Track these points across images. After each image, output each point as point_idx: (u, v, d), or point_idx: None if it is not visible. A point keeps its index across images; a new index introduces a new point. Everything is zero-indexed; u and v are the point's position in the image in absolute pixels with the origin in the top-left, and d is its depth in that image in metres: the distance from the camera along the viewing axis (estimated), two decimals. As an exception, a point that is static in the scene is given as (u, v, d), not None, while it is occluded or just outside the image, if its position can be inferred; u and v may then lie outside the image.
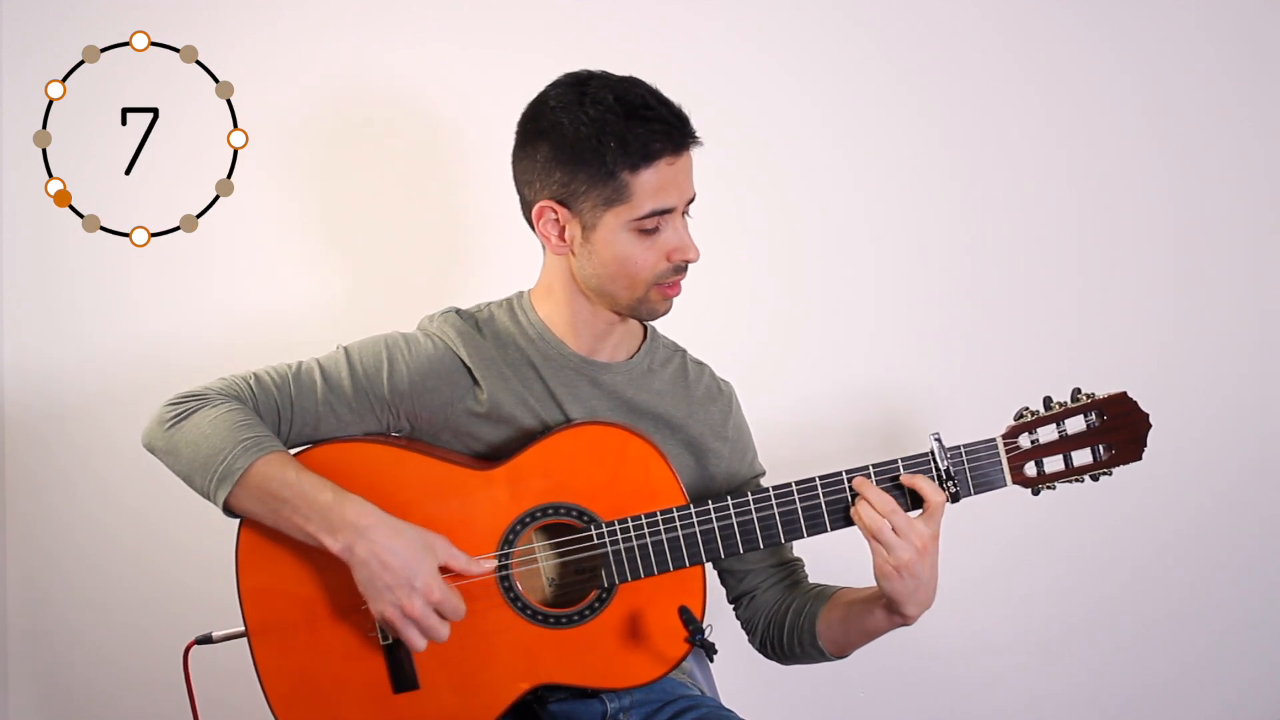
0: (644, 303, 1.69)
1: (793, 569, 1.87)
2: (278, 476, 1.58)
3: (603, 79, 1.65)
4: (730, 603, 1.90)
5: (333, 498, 1.59)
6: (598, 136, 1.60)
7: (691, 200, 1.69)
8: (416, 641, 1.59)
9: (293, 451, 1.67)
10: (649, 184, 1.61)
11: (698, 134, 1.67)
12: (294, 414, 1.68)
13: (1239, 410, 2.43)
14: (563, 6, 2.38)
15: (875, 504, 1.61)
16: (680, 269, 1.68)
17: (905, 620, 1.67)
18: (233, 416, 1.61)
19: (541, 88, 1.69)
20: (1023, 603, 2.47)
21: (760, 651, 1.89)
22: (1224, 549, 2.45)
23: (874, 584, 1.68)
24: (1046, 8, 2.41)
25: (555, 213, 1.67)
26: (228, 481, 1.58)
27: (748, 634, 1.89)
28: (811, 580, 1.87)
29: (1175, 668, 2.48)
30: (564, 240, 1.68)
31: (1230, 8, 2.40)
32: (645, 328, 1.86)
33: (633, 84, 1.64)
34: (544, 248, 1.75)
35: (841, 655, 1.79)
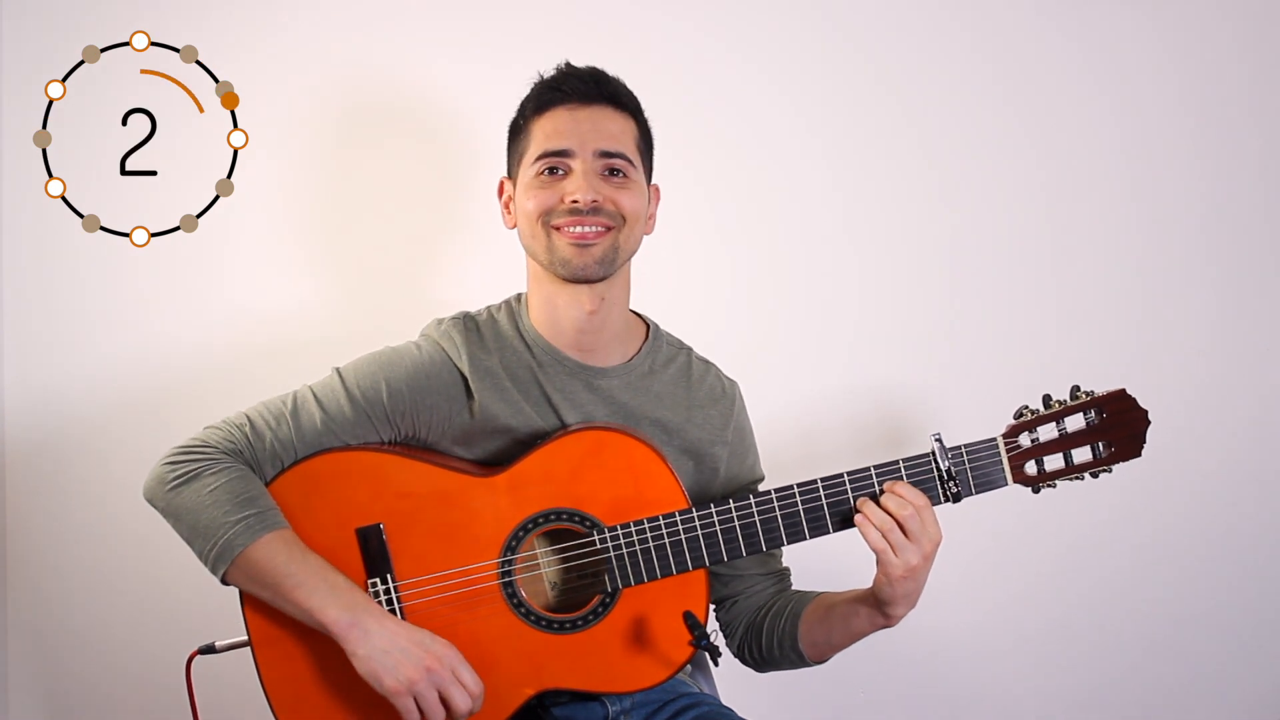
0: (554, 251, 1.72)
1: (780, 577, 1.88)
2: (282, 553, 1.60)
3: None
4: (712, 604, 1.90)
5: (343, 580, 1.62)
6: (521, 107, 1.80)
7: (610, 155, 1.73)
8: (436, 709, 1.59)
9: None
10: (544, 127, 1.74)
11: (624, 100, 1.77)
12: (296, 452, 1.68)
13: (1238, 407, 2.44)
14: (562, 10, 2.38)
15: (908, 496, 1.61)
16: (576, 212, 1.70)
17: (888, 622, 1.68)
18: (234, 486, 1.62)
19: None
20: (1023, 602, 2.47)
21: (737, 656, 1.90)
22: (1224, 547, 2.46)
23: (855, 588, 1.71)
24: (1031, 2, 2.41)
25: (505, 185, 1.82)
26: (225, 557, 1.59)
27: (725, 637, 1.90)
28: (797, 589, 1.88)
29: (1176, 667, 2.48)
30: (510, 212, 1.80)
31: (1224, 7, 2.40)
32: (648, 328, 1.87)
33: (565, 66, 1.79)
34: None
35: (820, 660, 1.79)
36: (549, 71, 1.78)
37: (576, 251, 1.70)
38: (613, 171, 1.73)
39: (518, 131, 1.79)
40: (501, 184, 1.83)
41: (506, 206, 1.81)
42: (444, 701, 1.59)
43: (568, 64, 1.79)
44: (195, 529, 1.61)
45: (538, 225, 1.72)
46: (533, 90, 1.78)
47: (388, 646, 1.57)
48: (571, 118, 1.73)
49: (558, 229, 1.71)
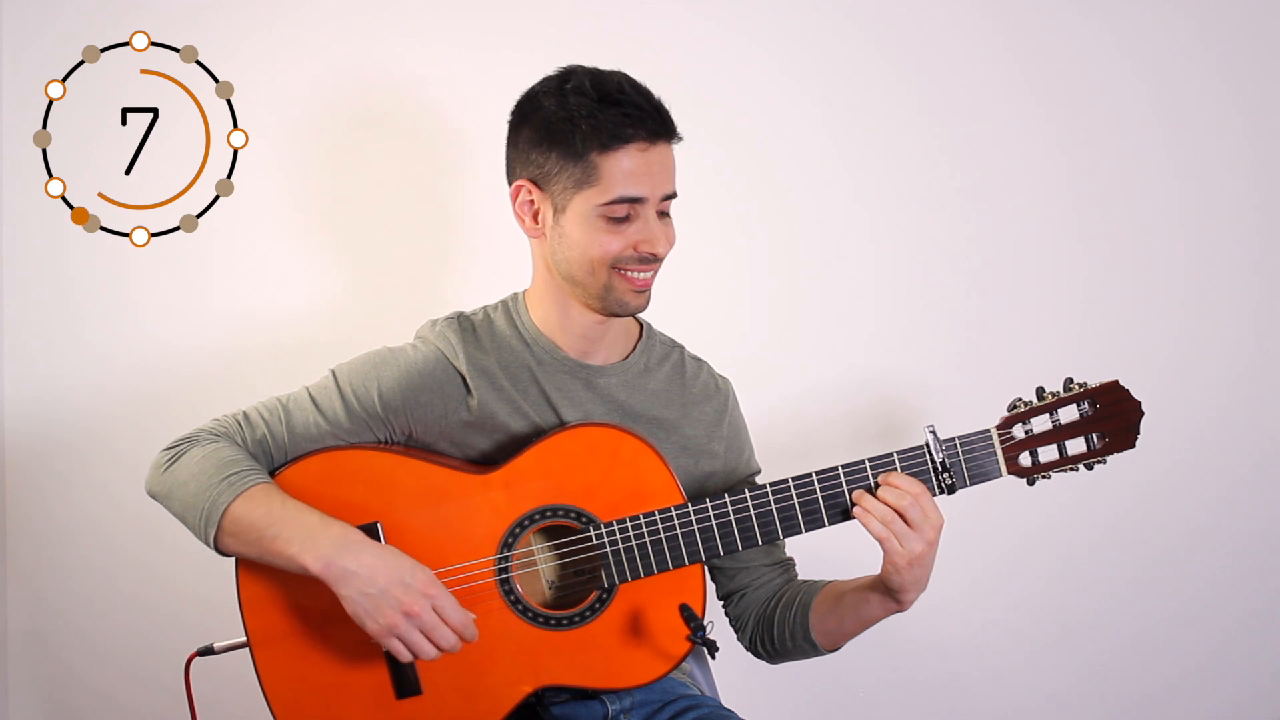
0: (610, 292, 1.68)
1: (785, 567, 1.88)
2: (262, 505, 1.59)
3: (586, 70, 1.67)
4: (720, 599, 1.90)
5: (318, 520, 1.59)
6: (571, 118, 1.62)
7: (670, 197, 1.68)
8: (423, 648, 1.57)
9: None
10: (619, 168, 1.62)
11: (678, 130, 1.68)
12: (289, 449, 1.69)
13: (1237, 404, 2.42)
14: (563, 6, 2.38)
15: (904, 486, 1.61)
16: (646, 260, 1.67)
17: (900, 607, 1.68)
18: (220, 454, 1.62)
19: None
20: (1023, 602, 2.46)
21: (749, 650, 1.89)
22: (1225, 547, 2.44)
23: (863, 575, 1.71)
24: (1045, 3, 2.40)
25: (530, 193, 1.68)
26: (213, 518, 1.59)
27: (736, 632, 1.90)
28: (803, 578, 1.88)
29: (1177, 668, 2.47)
30: (537, 223, 1.70)
31: (1231, 7, 2.39)
32: (641, 326, 1.87)
33: (613, 74, 1.66)
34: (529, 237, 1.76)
35: (833, 648, 1.79)
36: (607, 86, 1.63)
37: (635, 296, 1.69)
38: (664, 211, 1.70)
39: (572, 155, 1.62)
40: (518, 188, 1.70)
41: (535, 217, 1.70)
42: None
43: (631, 84, 1.65)
44: (186, 503, 1.61)
45: (602, 270, 1.66)
46: (599, 112, 1.61)
47: (366, 589, 1.56)
48: (645, 160, 1.62)
49: (622, 272, 1.67)
